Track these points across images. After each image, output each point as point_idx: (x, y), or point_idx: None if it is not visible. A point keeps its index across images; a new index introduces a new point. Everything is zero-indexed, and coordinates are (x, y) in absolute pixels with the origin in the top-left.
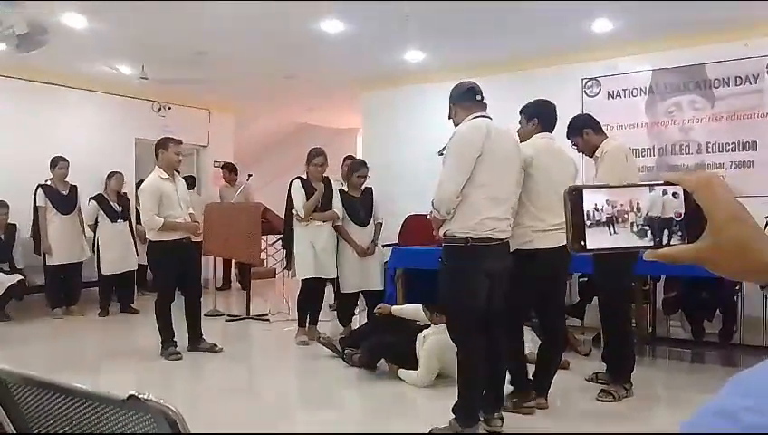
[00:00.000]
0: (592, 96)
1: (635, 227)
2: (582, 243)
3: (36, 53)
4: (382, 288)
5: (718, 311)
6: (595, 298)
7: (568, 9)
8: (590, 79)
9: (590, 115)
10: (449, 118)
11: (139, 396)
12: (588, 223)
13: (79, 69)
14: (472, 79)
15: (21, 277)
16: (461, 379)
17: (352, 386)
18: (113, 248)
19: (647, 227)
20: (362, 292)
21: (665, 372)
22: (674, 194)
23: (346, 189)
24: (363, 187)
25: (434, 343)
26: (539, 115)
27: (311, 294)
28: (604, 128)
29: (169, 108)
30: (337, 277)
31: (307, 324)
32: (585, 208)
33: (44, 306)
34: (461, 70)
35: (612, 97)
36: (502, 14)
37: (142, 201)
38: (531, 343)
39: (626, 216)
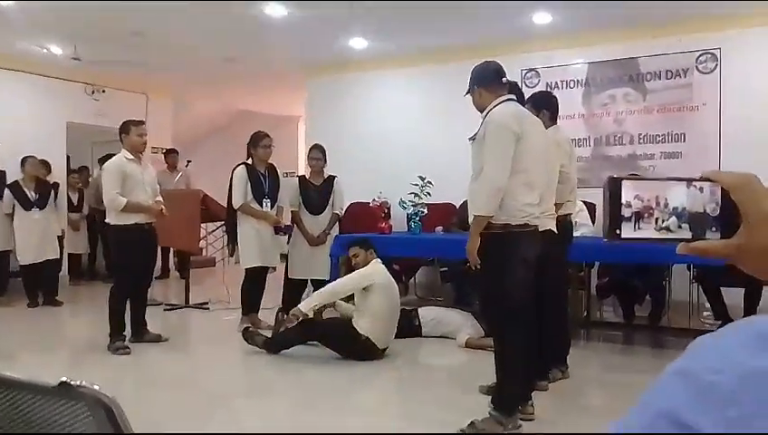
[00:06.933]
0: (531, 87)
1: (659, 222)
2: (618, 232)
3: None
4: (329, 278)
5: (648, 295)
6: None
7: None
8: (530, 70)
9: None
10: (473, 103)
11: (72, 383)
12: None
13: (6, 47)
14: (411, 68)
15: None
16: (500, 370)
17: (293, 374)
18: (29, 238)
19: (670, 223)
20: (311, 280)
21: (598, 353)
22: (711, 191)
23: (307, 176)
24: (327, 175)
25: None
26: (548, 107)
27: (255, 283)
28: None
29: (104, 91)
30: (286, 263)
31: (250, 312)
32: (623, 199)
33: None
34: (402, 58)
35: (551, 88)
36: (443, 4)
37: (103, 181)
38: (471, 328)
39: (651, 211)
